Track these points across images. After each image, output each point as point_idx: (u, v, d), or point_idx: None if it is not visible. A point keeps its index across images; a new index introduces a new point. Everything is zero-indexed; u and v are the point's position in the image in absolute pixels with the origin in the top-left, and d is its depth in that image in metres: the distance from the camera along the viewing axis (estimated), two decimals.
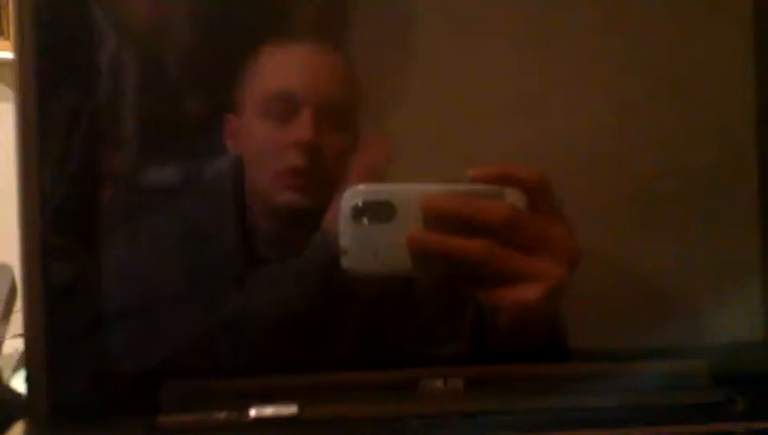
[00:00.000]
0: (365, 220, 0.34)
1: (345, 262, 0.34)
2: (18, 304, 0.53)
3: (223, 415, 0.34)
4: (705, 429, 0.33)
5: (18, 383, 0.46)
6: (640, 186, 0.38)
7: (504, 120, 0.38)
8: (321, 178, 0.37)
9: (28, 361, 0.35)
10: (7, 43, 1.52)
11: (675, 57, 0.38)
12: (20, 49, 0.35)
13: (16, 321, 0.53)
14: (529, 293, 0.34)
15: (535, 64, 0.38)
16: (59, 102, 0.35)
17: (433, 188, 0.34)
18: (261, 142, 0.38)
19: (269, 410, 0.34)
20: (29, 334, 0.35)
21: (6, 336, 0.52)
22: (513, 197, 0.34)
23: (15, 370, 0.49)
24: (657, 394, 0.35)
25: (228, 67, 0.37)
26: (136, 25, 0.37)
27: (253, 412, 0.34)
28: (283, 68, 0.38)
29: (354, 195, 0.34)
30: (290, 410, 0.34)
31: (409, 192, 0.34)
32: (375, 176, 0.36)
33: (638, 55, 0.38)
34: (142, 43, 0.37)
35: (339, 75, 0.38)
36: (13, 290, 0.52)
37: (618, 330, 0.37)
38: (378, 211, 0.34)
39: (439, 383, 0.36)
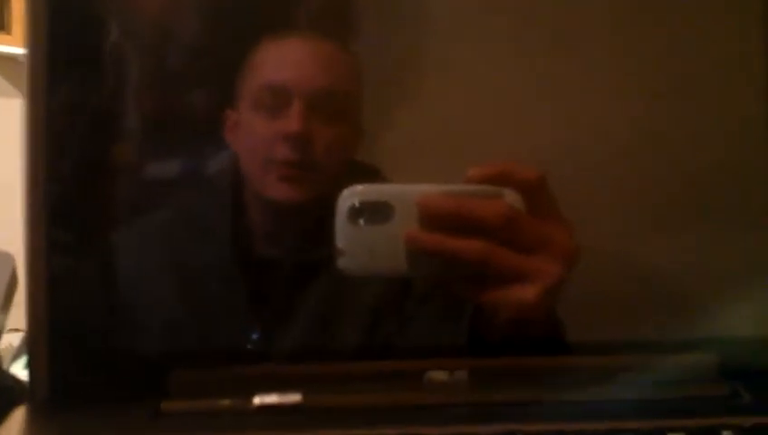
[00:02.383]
0: (362, 221, 0.34)
1: (341, 263, 0.34)
2: (17, 296, 0.53)
3: (227, 402, 0.34)
4: (712, 422, 0.32)
5: (18, 370, 0.45)
6: (651, 183, 0.38)
7: (512, 117, 0.38)
8: (312, 170, 0.37)
9: (30, 346, 0.35)
10: (9, 38, 1.52)
11: (686, 53, 0.38)
12: (30, 44, 0.35)
13: (15, 315, 0.53)
14: (526, 292, 0.34)
15: (539, 63, 0.38)
16: (66, 96, 0.35)
17: (431, 188, 0.34)
18: (253, 136, 0.38)
19: (273, 398, 0.34)
20: (31, 320, 0.35)
21: (6, 327, 0.52)
22: (511, 197, 0.34)
23: (15, 358, 0.49)
24: (663, 388, 0.35)
25: (228, 62, 0.37)
26: (141, 21, 0.37)
27: (257, 400, 0.34)
28: (274, 60, 0.38)
29: (351, 195, 0.34)
30: (294, 398, 0.34)
31: (407, 192, 0.34)
32: None
33: (648, 53, 0.38)
34: (147, 38, 0.37)
35: (332, 67, 0.38)
36: (13, 278, 0.52)
37: (625, 323, 0.37)
38: (375, 212, 0.34)
39: (444, 375, 0.36)
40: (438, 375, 0.36)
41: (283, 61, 0.38)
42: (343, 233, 0.34)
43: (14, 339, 0.53)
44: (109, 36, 0.36)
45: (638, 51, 0.38)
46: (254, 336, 0.38)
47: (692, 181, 0.38)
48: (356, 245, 0.34)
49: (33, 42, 0.35)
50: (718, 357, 0.36)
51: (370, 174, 0.37)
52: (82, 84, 0.35)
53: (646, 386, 0.35)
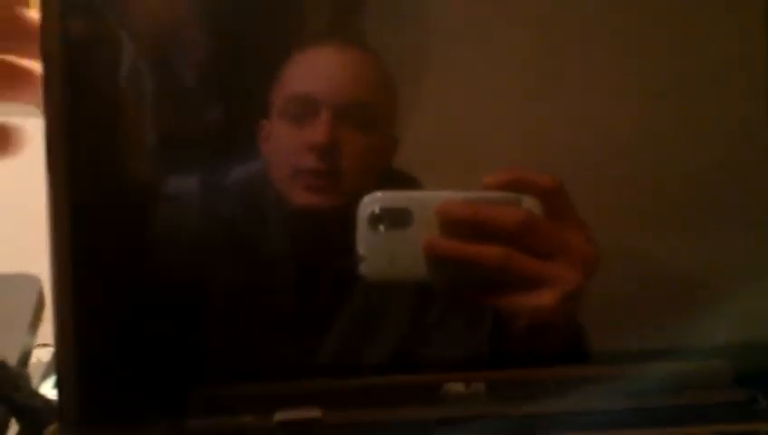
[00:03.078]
0: (381, 227, 0.35)
1: (362, 269, 0.35)
2: (46, 314, 0.54)
3: (249, 419, 0.35)
4: (728, 428, 0.33)
5: (47, 390, 0.46)
6: (660, 184, 0.38)
7: (525, 124, 0.38)
8: (340, 180, 0.37)
9: (59, 367, 0.36)
10: None
11: (693, 52, 0.38)
12: (47, 58, 0.35)
13: (42, 330, 0.54)
14: (544, 298, 0.34)
15: (552, 68, 0.38)
16: (89, 110, 0.35)
17: (450, 195, 0.35)
18: (282, 146, 0.38)
19: (293, 414, 0.35)
20: (59, 341, 0.36)
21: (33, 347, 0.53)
22: (530, 203, 0.35)
23: (45, 377, 0.50)
24: (678, 394, 0.35)
25: (260, 72, 0.37)
26: (161, 33, 0.37)
27: (277, 416, 0.34)
28: (302, 70, 0.38)
29: (371, 202, 0.35)
30: (314, 413, 0.35)
31: (426, 199, 0.35)
32: None
33: (655, 52, 0.38)
34: (165, 51, 0.37)
35: (362, 76, 0.38)
36: (40, 300, 0.53)
37: (639, 330, 0.37)
38: (395, 218, 0.35)
39: (461, 387, 0.36)
40: (456, 388, 0.36)
41: (311, 70, 0.38)
42: (364, 239, 0.35)
43: (43, 354, 0.54)
44: (127, 51, 0.36)
45: (650, 50, 0.38)
46: (275, 351, 0.38)
47: (702, 181, 0.38)
48: (376, 251, 0.35)
49: (48, 55, 0.35)
50: (733, 363, 0.36)
51: (405, 182, 0.37)
52: (104, 100, 0.36)
53: (662, 394, 0.35)
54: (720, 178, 0.38)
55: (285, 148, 0.38)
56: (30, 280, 0.54)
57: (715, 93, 0.38)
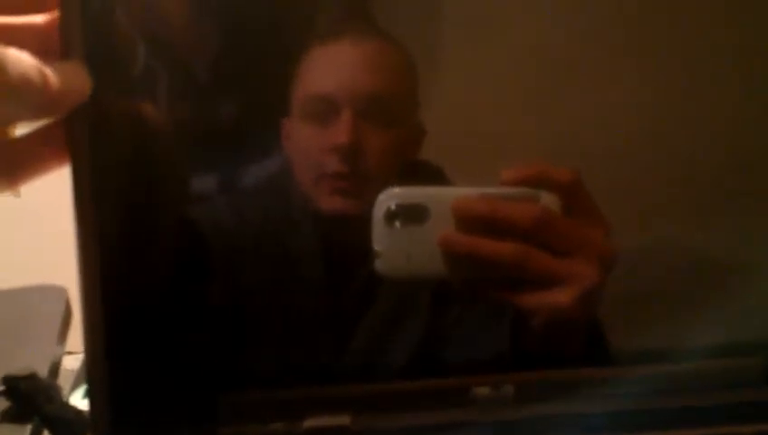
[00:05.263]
0: (398, 223, 0.34)
1: (378, 265, 0.34)
2: (72, 322, 0.54)
3: (278, 426, 0.35)
4: (761, 428, 0.32)
5: (77, 400, 0.47)
6: (684, 180, 0.37)
7: (544, 117, 0.37)
8: (366, 180, 0.37)
9: (89, 380, 0.36)
10: None
11: (728, 40, 0.37)
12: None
13: (70, 338, 0.55)
14: (561, 296, 0.34)
15: (565, 58, 0.37)
16: (112, 118, 0.35)
17: (467, 191, 0.35)
18: (304, 146, 0.37)
19: (322, 421, 0.35)
20: (89, 353, 0.36)
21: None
22: (548, 199, 0.34)
23: (73, 387, 0.50)
24: (710, 393, 0.35)
25: (277, 70, 0.37)
26: (180, 34, 0.37)
27: (306, 423, 0.35)
28: (319, 68, 0.37)
29: (387, 198, 0.35)
30: (342, 420, 0.35)
31: (443, 195, 0.34)
32: None
33: (685, 41, 0.37)
34: (181, 50, 0.37)
35: (381, 70, 0.37)
36: (67, 311, 0.54)
37: (669, 328, 0.37)
38: (411, 214, 0.34)
39: (490, 390, 0.36)
40: (484, 391, 0.36)
41: (329, 68, 0.37)
42: (380, 235, 0.34)
43: (70, 362, 0.55)
44: (145, 54, 0.35)
45: (661, 41, 0.37)
46: (304, 357, 0.38)
47: (726, 178, 0.37)
48: (392, 247, 0.34)
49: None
50: (765, 360, 0.36)
51: (431, 174, 0.36)
52: (125, 106, 0.35)
53: (692, 393, 0.35)
54: (742, 173, 0.38)
55: (308, 149, 0.37)
56: (56, 291, 0.54)
57: (739, 86, 0.38)
